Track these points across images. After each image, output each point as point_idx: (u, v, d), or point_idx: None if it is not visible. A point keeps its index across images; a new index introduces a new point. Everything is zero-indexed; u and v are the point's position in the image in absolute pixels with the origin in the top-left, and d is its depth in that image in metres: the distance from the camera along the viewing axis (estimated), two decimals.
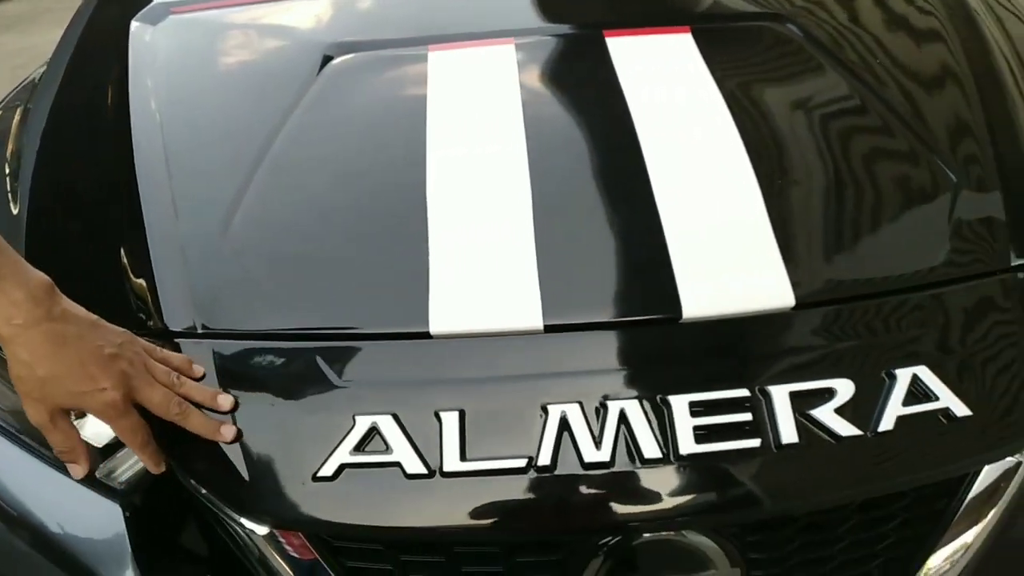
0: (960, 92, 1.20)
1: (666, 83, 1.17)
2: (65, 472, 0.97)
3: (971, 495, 0.92)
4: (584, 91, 1.20)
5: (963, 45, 1.27)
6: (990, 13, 1.37)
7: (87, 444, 0.94)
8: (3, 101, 1.56)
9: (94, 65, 1.39)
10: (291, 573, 0.90)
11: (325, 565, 0.90)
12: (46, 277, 0.86)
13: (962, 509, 0.92)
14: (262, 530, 0.89)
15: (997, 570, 0.95)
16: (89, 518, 0.97)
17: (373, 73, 1.24)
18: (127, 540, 0.95)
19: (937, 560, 0.93)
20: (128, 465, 0.97)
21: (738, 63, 1.25)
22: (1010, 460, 0.92)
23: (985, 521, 0.93)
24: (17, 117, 1.40)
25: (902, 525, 0.93)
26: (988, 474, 0.92)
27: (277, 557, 0.90)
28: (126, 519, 0.95)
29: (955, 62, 1.25)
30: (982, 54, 1.25)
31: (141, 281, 1.01)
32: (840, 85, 1.20)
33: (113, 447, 0.98)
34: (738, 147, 1.07)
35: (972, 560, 0.93)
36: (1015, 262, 1.00)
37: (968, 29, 1.30)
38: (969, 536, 0.93)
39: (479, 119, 1.13)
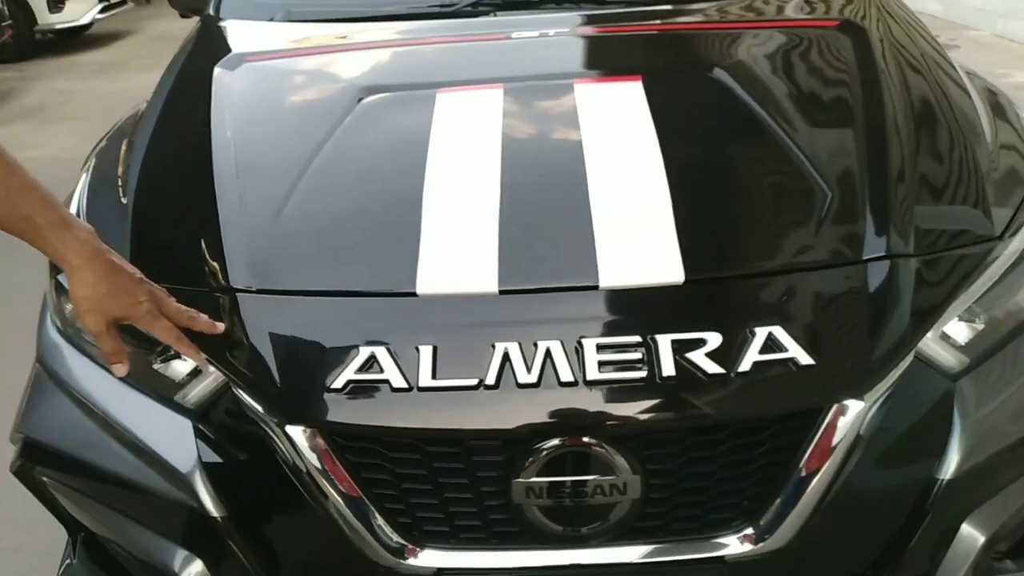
0: (851, 133, 1.51)
1: (613, 117, 1.51)
2: (145, 394, 1.31)
3: (824, 429, 1.19)
4: (550, 123, 1.54)
5: (863, 98, 1.57)
6: (897, 69, 1.67)
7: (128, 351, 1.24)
8: (110, 132, 1.96)
9: (185, 101, 1.78)
10: (311, 463, 1.22)
11: (335, 459, 1.22)
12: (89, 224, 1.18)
13: (816, 440, 1.20)
14: (292, 429, 1.22)
15: (850, 493, 1.22)
16: (168, 432, 1.32)
17: (393, 109, 1.60)
18: (196, 447, 1.30)
19: (801, 480, 1.21)
20: (198, 391, 1.32)
21: (673, 101, 1.58)
22: (858, 403, 1.20)
23: (837, 451, 1.20)
24: (124, 147, 1.77)
25: (769, 450, 1.22)
26: (839, 413, 1.19)
27: (302, 452, 1.22)
28: (195, 431, 1.30)
29: (852, 110, 1.56)
30: (876, 107, 1.54)
31: (215, 261, 1.36)
32: (752, 119, 1.52)
33: (186, 382, 1.34)
34: (659, 166, 1.39)
35: (829, 482, 1.21)
36: (865, 257, 1.29)
37: (870, 87, 1.59)
38: (826, 463, 1.20)
39: (467, 141, 1.48)
